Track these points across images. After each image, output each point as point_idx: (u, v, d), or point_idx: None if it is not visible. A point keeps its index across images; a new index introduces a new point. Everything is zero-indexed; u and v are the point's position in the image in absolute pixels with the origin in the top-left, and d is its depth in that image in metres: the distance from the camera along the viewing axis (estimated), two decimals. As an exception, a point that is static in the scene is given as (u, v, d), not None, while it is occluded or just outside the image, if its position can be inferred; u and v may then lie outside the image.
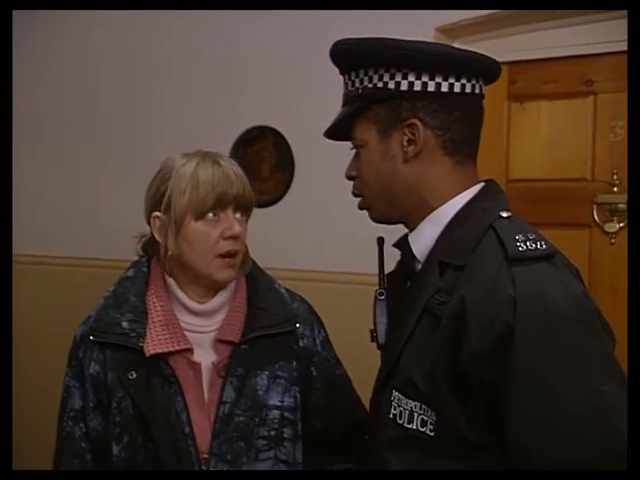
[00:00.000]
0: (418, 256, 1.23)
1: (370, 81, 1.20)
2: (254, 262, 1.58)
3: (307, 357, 1.54)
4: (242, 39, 2.78)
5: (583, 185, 2.46)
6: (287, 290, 1.60)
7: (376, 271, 2.49)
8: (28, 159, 3.03)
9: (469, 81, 1.20)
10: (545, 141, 2.52)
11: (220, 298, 1.49)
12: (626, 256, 2.35)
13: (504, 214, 1.15)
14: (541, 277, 1.06)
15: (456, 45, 2.59)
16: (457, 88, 1.19)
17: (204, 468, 1.40)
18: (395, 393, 1.17)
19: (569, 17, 2.38)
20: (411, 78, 1.18)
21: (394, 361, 1.19)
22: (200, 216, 1.42)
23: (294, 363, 1.51)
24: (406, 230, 1.29)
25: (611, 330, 1.09)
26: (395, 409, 1.16)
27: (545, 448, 1.02)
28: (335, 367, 1.60)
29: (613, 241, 2.41)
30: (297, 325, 1.53)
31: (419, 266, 1.23)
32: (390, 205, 1.25)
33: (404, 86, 1.18)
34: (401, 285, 1.29)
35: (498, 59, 2.52)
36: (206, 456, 1.41)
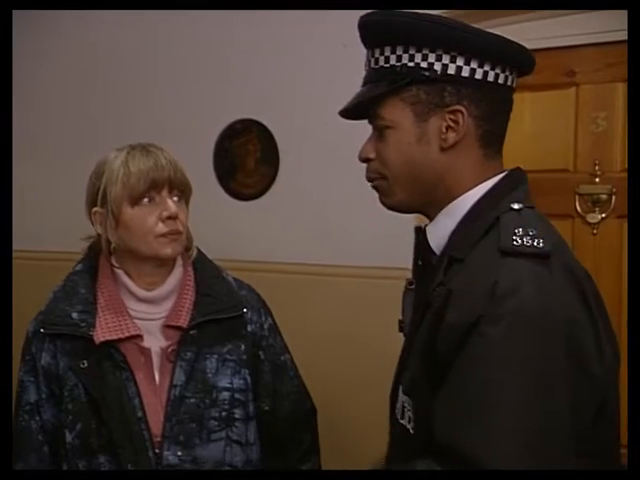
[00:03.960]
0: (435, 248, 1.17)
1: (411, 59, 1.13)
2: (200, 251, 1.62)
3: (255, 341, 1.59)
4: (228, 34, 2.78)
5: (565, 176, 2.47)
6: (235, 279, 1.64)
7: (360, 264, 2.51)
8: (25, 157, 3.03)
9: (511, 73, 1.16)
10: (527, 132, 2.53)
11: (168, 286, 1.53)
12: (608, 246, 2.38)
13: (515, 206, 1.10)
14: (524, 275, 1.01)
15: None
16: (501, 79, 1.14)
17: (157, 451, 1.45)
18: (400, 391, 1.13)
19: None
20: (460, 62, 1.12)
21: (404, 357, 1.16)
22: (135, 202, 1.46)
23: (242, 347, 1.56)
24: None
25: (581, 348, 1.01)
26: (397, 405, 1.14)
27: (461, 433, 0.98)
28: (280, 353, 1.65)
29: (595, 231, 2.42)
30: (244, 310, 1.57)
31: (435, 259, 1.18)
32: (414, 192, 1.18)
33: (452, 70, 1.12)
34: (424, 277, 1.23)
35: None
36: (159, 439, 1.46)
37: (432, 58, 1.12)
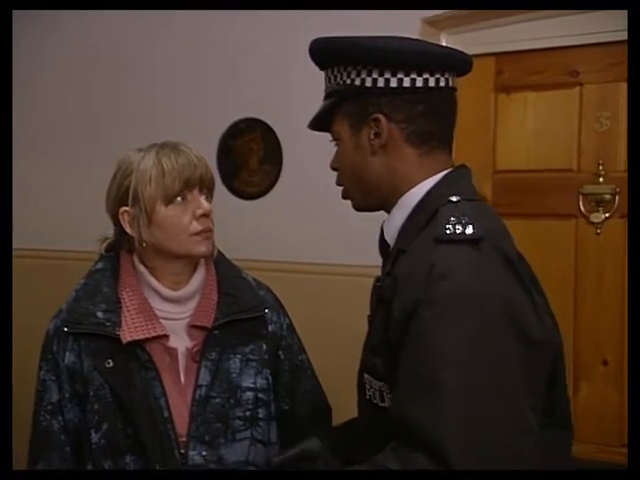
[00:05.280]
0: (390, 242, 1.27)
1: (341, 78, 1.26)
2: (220, 251, 1.62)
3: (275, 341, 1.60)
4: (230, 34, 2.78)
5: (569, 176, 2.47)
6: (253, 278, 1.65)
7: (363, 262, 2.51)
8: (25, 157, 3.04)
9: (432, 75, 1.23)
10: (531, 132, 2.53)
11: (192, 285, 1.53)
12: (611, 246, 2.38)
13: (454, 198, 1.18)
14: (455, 259, 1.10)
15: (443, 36, 2.60)
16: (419, 83, 1.23)
17: (182, 451, 1.45)
18: (366, 376, 1.23)
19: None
20: (375, 75, 1.22)
21: (367, 346, 1.26)
22: (169, 201, 1.46)
23: (264, 347, 1.56)
24: None
25: (519, 319, 1.08)
26: (369, 390, 1.23)
27: (409, 409, 1.05)
28: (298, 353, 1.66)
29: (599, 231, 2.42)
30: (266, 311, 1.58)
31: (388, 251, 1.29)
32: (365, 194, 1.30)
33: (368, 83, 1.23)
34: None
35: (484, 50, 2.54)
36: (184, 439, 1.45)
37: (353, 75, 1.24)
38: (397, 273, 1.16)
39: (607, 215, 2.41)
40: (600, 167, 2.41)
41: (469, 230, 1.12)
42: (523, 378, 1.06)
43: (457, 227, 1.12)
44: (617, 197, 2.39)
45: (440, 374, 1.03)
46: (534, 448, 1.05)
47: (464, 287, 1.07)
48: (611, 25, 2.32)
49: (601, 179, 2.41)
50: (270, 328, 1.59)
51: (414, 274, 1.11)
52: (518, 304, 1.09)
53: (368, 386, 1.22)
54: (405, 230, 1.23)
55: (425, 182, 1.24)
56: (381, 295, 1.21)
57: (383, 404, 1.19)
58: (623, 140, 2.37)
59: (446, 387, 1.02)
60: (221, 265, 1.60)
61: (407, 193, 1.25)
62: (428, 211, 1.20)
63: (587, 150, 2.45)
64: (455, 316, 1.05)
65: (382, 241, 1.30)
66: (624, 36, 2.17)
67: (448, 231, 1.12)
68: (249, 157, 2.79)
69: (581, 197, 2.45)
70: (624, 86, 2.34)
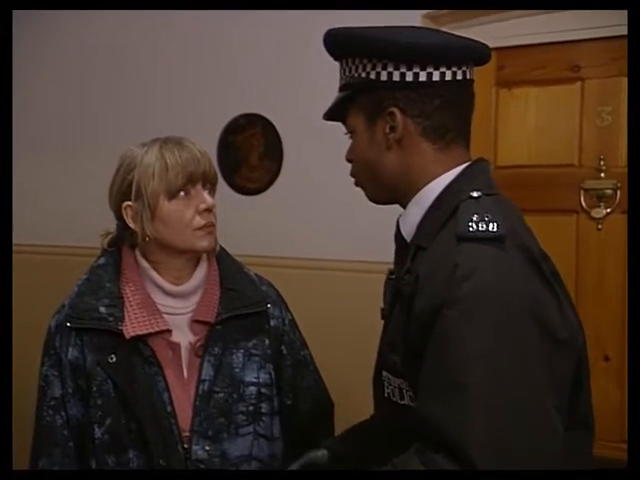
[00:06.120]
0: (406, 237, 1.24)
1: (356, 70, 1.23)
2: (221, 247, 1.62)
3: (278, 336, 1.60)
4: (230, 32, 2.78)
5: (570, 171, 2.47)
6: (255, 274, 1.65)
7: (364, 258, 2.51)
8: (25, 156, 3.04)
9: (449, 68, 1.20)
10: (532, 127, 2.53)
11: (195, 280, 1.53)
12: (613, 241, 2.38)
13: (474, 194, 1.15)
14: (480, 258, 1.06)
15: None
16: (436, 77, 1.19)
17: (186, 446, 1.45)
18: (385, 373, 1.21)
19: (556, 3, 2.38)
20: (390, 68, 1.20)
21: (384, 342, 1.24)
22: (172, 196, 1.46)
23: (266, 341, 1.57)
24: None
25: (545, 318, 1.06)
26: (387, 388, 1.21)
27: (435, 412, 1.03)
28: (301, 348, 1.67)
29: (600, 226, 2.42)
30: (268, 306, 1.59)
31: (405, 247, 1.26)
32: (379, 188, 1.27)
33: (384, 76, 1.20)
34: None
35: (485, 45, 2.51)
36: (187, 434, 1.46)
37: (369, 68, 1.21)
38: (418, 270, 1.13)
39: (608, 210, 2.40)
40: (601, 162, 2.41)
41: (492, 228, 1.08)
42: (549, 379, 1.04)
43: (480, 225, 1.09)
44: (618, 192, 2.38)
45: (466, 375, 1.01)
46: (559, 450, 1.03)
47: (489, 286, 1.04)
48: (612, 20, 2.31)
49: (602, 174, 2.41)
50: (272, 323, 1.59)
51: (437, 273, 1.08)
52: (543, 303, 1.07)
53: (387, 383, 1.21)
54: (424, 226, 1.20)
55: (443, 177, 1.21)
56: (399, 290, 1.19)
57: (403, 402, 1.18)
58: (625, 135, 2.36)
59: (471, 389, 1.00)
60: (223, 260, 1.60)
61: (424, 188, 1.22)
62: (448, 207, 1.16)
63: (588, 145, 2.44)
64: (480, 316, 1.03)
65: (398, 236, 1.27)
66: (625, 31, 2.17)
67: (471, 229, 1.09)
68: (249, 153, 2.79)
69: (582, 192, 2.44)
70: (626, 81, 2.33)
